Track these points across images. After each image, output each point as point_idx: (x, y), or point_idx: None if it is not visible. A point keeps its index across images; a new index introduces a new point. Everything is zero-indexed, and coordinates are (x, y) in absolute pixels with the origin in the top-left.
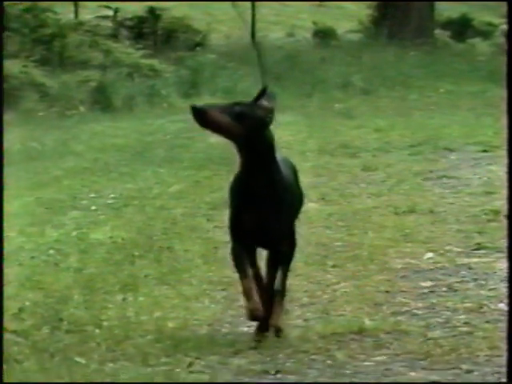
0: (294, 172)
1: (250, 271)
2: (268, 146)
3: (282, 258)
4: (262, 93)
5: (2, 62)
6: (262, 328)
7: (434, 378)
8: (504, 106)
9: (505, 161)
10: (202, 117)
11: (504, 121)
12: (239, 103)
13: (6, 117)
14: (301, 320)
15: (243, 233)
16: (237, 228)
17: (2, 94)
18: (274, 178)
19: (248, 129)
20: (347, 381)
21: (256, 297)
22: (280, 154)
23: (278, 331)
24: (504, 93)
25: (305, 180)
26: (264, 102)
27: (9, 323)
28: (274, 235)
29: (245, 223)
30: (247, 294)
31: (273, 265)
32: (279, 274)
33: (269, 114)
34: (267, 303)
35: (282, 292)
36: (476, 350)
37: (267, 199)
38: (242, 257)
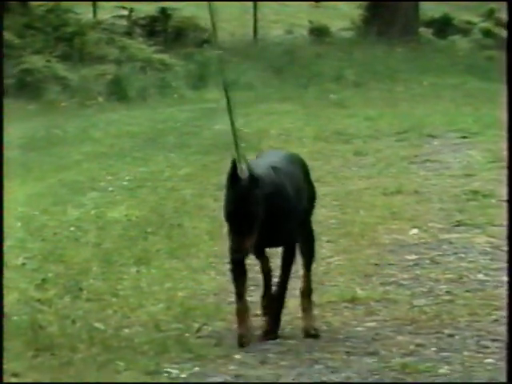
0: (304, 169)
1: (245, 293)
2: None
3: (303, 258)
4: (235, 170)
5: (2, 62)
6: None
7: (419, 341)
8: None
9: (483, 146)
10: (243, 259)
11: (484, 110)
12: (250, 211)
13: (32, 107)
14: (298, 290)
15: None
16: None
17: (2, 94)
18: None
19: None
20: (341, 344)
21: (247, 323)
22: (286, 152)
23: (314, 334)
24: (504, 93)
25: None
26: (248, 176)
27: (33, 293)
28: (277, 240)
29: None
30: (239, 319)
31: (283, 265)
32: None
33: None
34: (272, 305)
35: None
36: (457, 316)
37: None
38: (240, 276)
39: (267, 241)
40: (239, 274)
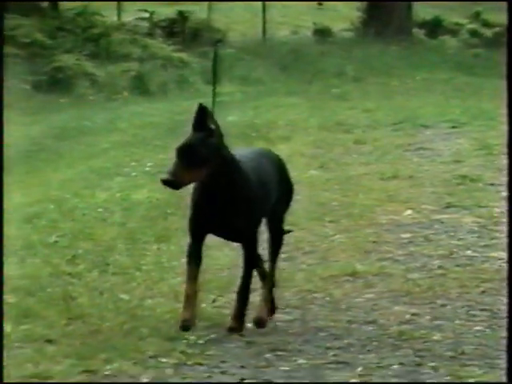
0: (280, 166)
1: (195, 276)
2: (225, 155)
3: (246, 255)
4: (201, 113)
5: (2, 62)
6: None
7: (414, 310)
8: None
9: (470, 135)
10: (173, 185)
11: (470, 102)
12: (191, 145)
13: (63, 100)
14: (304, 265)
15: (201, 231)
16: (195, 226)
17: (2, 93)
18: (233, 178)
19: (214, 162)
20: (343, 314)
21: (192, 307)
22: (261, 148)
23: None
24: (504, 91)
25: (307, 151)
26: (210, 125)
27: (65, 267)
28: (235, 230)
29: (204, 222)
30: (185, 302)
31: (271, 254)
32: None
33: (219, 135)
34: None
35: (269, 286)
36: (448, 288)
37: (226, 197)
38: (193, 258)
39: (221, 224)
40: (194, 249)
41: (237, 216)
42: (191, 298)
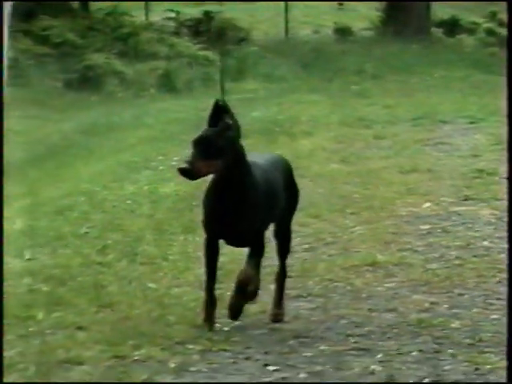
0: (289, 172)
1: (214, 278)
2: (240, 151)
3: (253, 255)
4: (217, 109)
5: (2, 62)
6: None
7: (433, 299)
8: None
9: (487, 130)
10: (191, 175)
11: (487, 99)
12: (207, 137)
13: (93, 98)
14: (326, 255)
15: (214, 229)
16: (208, 228)
17: (2, 92)
18: (243, 181)
19: (229, 156)
20: (364, 302)
21: (210, 311)
22: (272, 154)
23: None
24: (504, 88)
25: (329, 146)
26: (226, 120)
27: (95, 257)
28: (241, 233)
29: (214, 225)
30: (205, 316)
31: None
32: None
33: (236, 130)
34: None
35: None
36: (466, 278)
37: (234, 199)
38: (212, 256)
39: (228, 228)
40: (212, 246)
41: (242, 220)
42: (211, 312)
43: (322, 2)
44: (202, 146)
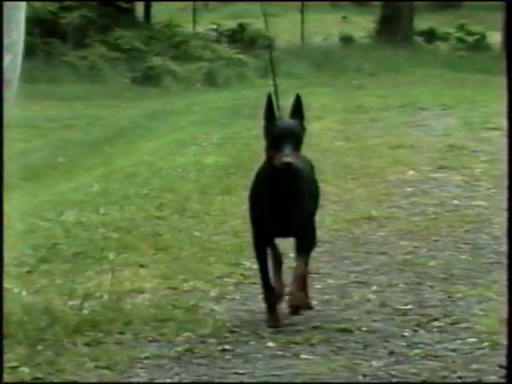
0: (312, 168)
1: (271, 278)
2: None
3: (301, 247)
4: (271, 103)
5: (1, 62)
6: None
7: (415, 244)
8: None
9: (456, 115)
10: (292, 169)
11: (457, 91)
12: (295, 129)
13: (153, 91)
14: (332, 211)
15: (265, 227)
16: (257, 218)
17: (2, 92)
18: (297, 173)
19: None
20: (362, 247)
21: (275, 308)
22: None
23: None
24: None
25: (335, 127)
26: (296, 111)
27: (154, 212)
28: (295, 226)
29: (268, 217)
30: (268, 308)
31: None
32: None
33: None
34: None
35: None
36: (440, 228)
37: (290, 193)
38: (264, 255)
39: (282, 223)
40: (263, 246)
41: (297, 209)
42: (273, 305)
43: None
44: (293, 139)
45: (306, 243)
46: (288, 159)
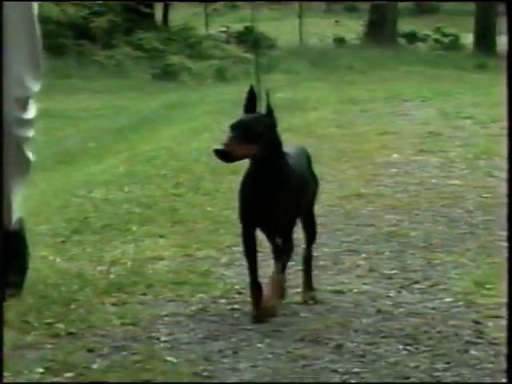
0: (308, 160)
1: (256, 269)
2: (276, 140)
3: (283, 246)
4: (252, 95)
5: (1, 62)
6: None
7: (398, 217)
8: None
9: (435, 106)
10: (226, 156)
11: (434, 85)
12: (245, 121)
13: (171, 85)
14: (326, 189)
15: (250, 222)
16: (245, 218)
17: (2, 91)
18: (280, 169)
19: (265, 142)
20: (352, 220)
21: (260, 303)
22: (295, 144)
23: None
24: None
25: (329, 116)
26: (265, 106)
27: (171, 190)
28: (280, 222)
29: (253, 211)
30: (253, 301)
31: (276, 255)
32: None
33: (274, 116)
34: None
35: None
36: (420, 203)
37: (274, 187)
38: (252, 252)
39: (264, 216)
40: (250, 240)
41: (279, 207)
42: (257, 298)
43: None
44: (240, 130)
45: (287, 246)
46: (217, 146)
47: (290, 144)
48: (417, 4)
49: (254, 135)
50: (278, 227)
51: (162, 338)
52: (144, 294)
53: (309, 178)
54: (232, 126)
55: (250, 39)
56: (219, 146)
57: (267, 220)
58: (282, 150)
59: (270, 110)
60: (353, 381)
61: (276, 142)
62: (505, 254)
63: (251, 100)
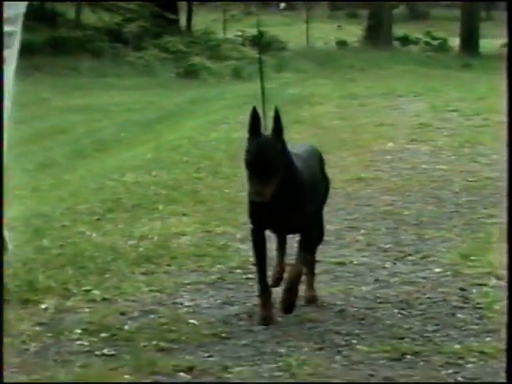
0: (320, 160)
1: (265, 269)
2: (286, 153)
3: (303, 243)
4: (255, 116)
5: (1, 62)
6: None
7: (394, 198)
8: (425, 76)
9: (425, 100)
10: (262, 201)
11: (425, 82)
12: (265, 158)
13: (193, 83)
14: (330, 173)
15: (261, 221)
16: (255, 218)
17: (2, 90)
18: (288, 173)
19: (282, 168)
20: (353, 200)
21: (269, 305)
22: (306, 145)
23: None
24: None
25: (332, 110)
26: (273, 128)
27: (193, 174)
28: (292, 224)
29: (263, 215)
30: (261, 304)
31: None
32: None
33: (282, 136)
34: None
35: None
36: (412, 186)
37: (282, 191)
38: (261, 246)
39: (277, 221)
40: (260, 238)
41: (286, 212)
42: (266, 302)
43: (328, 23)
44: (262, 170)
45: (307, 241)
46: (253, 197)
47: (301, 144)
48: (409, 10)
49: (276, 170)
50: (287, 229)
51: (185, 303)
52: (169, 265)
53: (318, 181)
54: (253, 162)
55: (260, 42)
56: (257, 199)
57: (276, 223)
58: (290, 157)
59: (278, 131)
60: (354, 341)
61: (285, 157)
62: (490, 229)
63: (255, 122)
